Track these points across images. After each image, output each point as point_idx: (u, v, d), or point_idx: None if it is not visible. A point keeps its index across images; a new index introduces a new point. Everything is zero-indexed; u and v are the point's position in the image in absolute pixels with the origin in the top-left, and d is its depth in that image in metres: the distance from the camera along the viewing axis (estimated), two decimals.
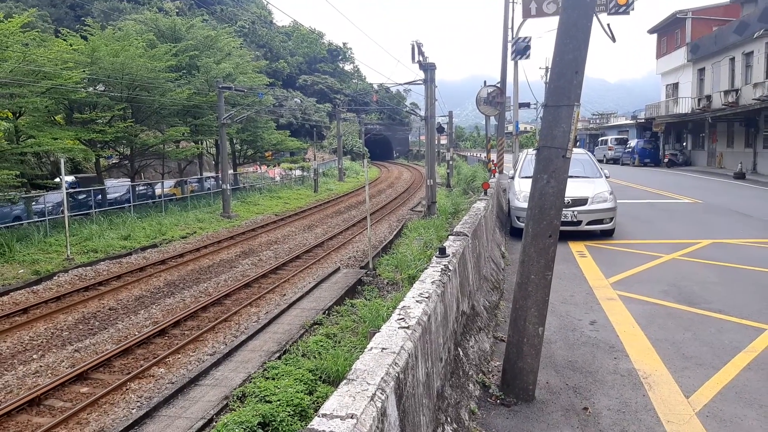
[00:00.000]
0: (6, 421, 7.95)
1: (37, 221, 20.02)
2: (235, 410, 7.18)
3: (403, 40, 23.85)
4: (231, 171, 33.56)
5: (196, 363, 9.72)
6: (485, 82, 23.52)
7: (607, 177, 13.19)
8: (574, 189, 11.25)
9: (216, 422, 7.00)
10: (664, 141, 42.94)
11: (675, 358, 5.59)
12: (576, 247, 11.07)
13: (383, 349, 3.09)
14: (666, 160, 38.30)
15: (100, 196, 24.32)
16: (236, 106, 31.14)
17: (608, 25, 4.93)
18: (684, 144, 40.47)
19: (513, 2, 22.81)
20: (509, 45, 22.10)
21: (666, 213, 15.58)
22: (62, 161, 17.98)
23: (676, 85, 41.42)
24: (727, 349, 5.79)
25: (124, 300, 13.67)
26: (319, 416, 2.35)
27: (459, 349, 5.01)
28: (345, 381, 2.69)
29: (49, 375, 9.45)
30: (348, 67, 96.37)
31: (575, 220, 11.64)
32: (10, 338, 11.04)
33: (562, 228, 10.57)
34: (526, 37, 21.44)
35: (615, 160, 43.36)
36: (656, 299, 7.57)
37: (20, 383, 9.16)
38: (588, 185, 12.22)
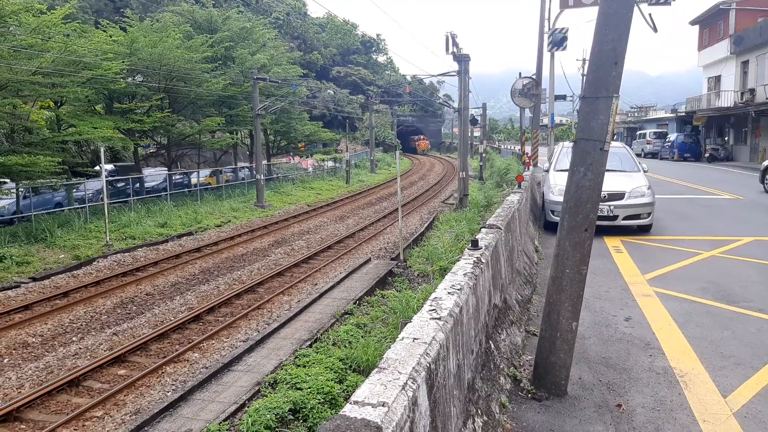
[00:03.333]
0: (47, 400, 8.23)
1: (78, 208, 20.59)
2: (266, 396, 7.28)
3: (438, 32, 23.71)
4: (265, 161, 33.88)
5: (230, 349, 9.89)
6: (520, 73, 23.20)
7: (645, 171, 12.91)
8: (611, 183, 11.03)
9: (248, 407, 7.12)
10: (705, 135, 41.77)
11: (713, 357, 5.46)
12: (612, 243, 10.88)
13: (414, 339, 3.10)
14: (707, 154, 37.26)
15: (138, 185, 24.88)
16: (270, 97, 31.40)
17: (650, 15, 4.80)
18: (726, 138, 39.30)
19: None
20: (545, 36, 21.76)
21: (706, 209, 15.18)
22: (102, 150, 18.43)
23: (718, 78, 40.20)
24: (767, 350, 5.63)
25: (160, 286, 13.97)
26: (350, 403, 2.37)
27: (490, 341, 4.99)
28: (376, 369, 2.70)
29: (88, 357, 9.73)
30: (381, 58, 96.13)
31: (611, 214, 11.44)
32: (51, 321, 11.40)
33: (598, 222, 10.38)
34: (563, 28, 21.07)
35: (653, 155, 42.40)
36: (694, 297, 7.40)
37: (60, 364, 9.46)
38: (625, 179, 11.99)
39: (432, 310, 3.60)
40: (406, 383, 2.56)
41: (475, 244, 5.36)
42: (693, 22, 43.00)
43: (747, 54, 35.26)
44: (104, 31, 24.35)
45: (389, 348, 2.98)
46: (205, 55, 26.48)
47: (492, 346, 4.98)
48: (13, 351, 9.97)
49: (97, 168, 23.07)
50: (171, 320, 11.43)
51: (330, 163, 46.36)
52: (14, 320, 11.29)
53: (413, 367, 2.72)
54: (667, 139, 42.58)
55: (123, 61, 21.94)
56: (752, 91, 33.47)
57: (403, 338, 3.11)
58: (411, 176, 47.31)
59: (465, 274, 4.46)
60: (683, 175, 25.45)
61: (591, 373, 5.17)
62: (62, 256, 15.98)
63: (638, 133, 51.00)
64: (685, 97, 47.21)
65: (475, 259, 4.97)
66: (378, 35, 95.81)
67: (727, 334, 6.07)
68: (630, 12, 4.37)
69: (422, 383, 2.72)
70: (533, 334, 6.04)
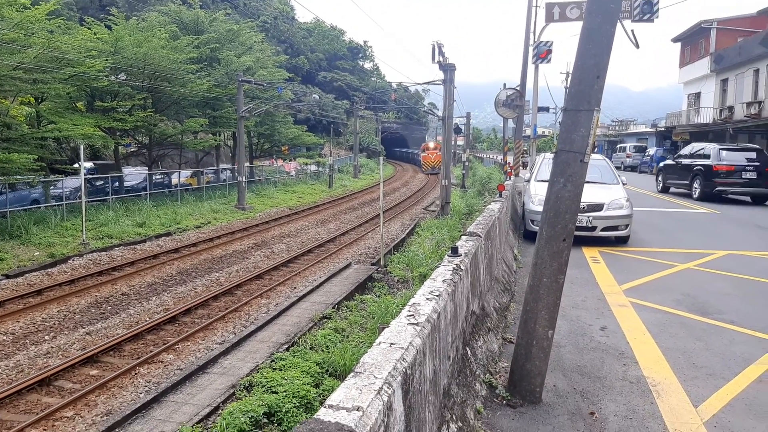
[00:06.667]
0: (16, 399, 8.08)
1: (55, 205, 20.28)
2: (241, 399, 7.23)
3: (425, 41, 23.83)
4: (247, 164, 33.73)
5: (205, 351, 9.80)
6: (504, 84, 23.42)
7: (624, 184, 13.09)
8: (590, 194, 11.17)
9: (222, 410, 7.06)
10: None
11: (685, 368, 5.54)
12: (590, 253, 11.00)
13: (392, 344, 3.10)
14: None
15: (117, 183, 24.58)
16: (255, 100, 31.28)
17: (632, 31, 4.89)
18: None
19: (536, 6, 22.73)
20: (530, 49, 21.99)
21: (682, 222, 15.43)
22: (82, 147, 18.19)
23: (698, 95, 40.96)
24: (738, 361, 5.73)
25: (136, 286, 13.81)
26: (325, 407, 2.36)
27: (467, 348, 5.01)
28: (352, 374, 2.70)
29: (60, 356, 9.57)
30: (368, 65, 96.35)
31: (590, 225, 11.57)
32: (23, 319, 11.20)
33: (577, 233, 10.50)
34: (547, 42, 21.31)
35: (633, 168, 42.96)
36: (668, 308, 7.51)
37: (31, 363, 9.29)
38: (604, 191, 12.14)
39: (410, 315, 3.61)
40: (381, 388, 2.56)
41: (454, 252, 5.39)
42: (675, 40, 43.80)
43: (726, 72, 35.99)
44: (89, 28, 24.09)
45: (366, 352, 2.98)
46: (191, 56, 26.32)
47: (469, 352, 5.00)
48: None
49: (76, 165, 22.76)
50: (146, 321, 11.30)
51: (313, 167, 46.28)
52: None
53: (389, 372, 2.72)
54: (646, 153, 43.21)
55: (107, 59, 21.72)
56: (731, 108, 34.15)
57: (380, 343, 3.11)
58: (394, 182, 47.42)
59: (444, 281, 4.48)
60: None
61: (566, 381, 5.21)
62: (37, 253, 15.72)
63: (618, 146, 51.69)
64: (664, 112, 48.00)
65: (454, 266, 4.99)
66: (365, 42, 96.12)
67: (700, 345, 6.17)
68: (613, 28, 4.44)
69: (398, 388, 2.73)
70: (510, 341, 6.08)
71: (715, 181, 19.86)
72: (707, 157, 20.67)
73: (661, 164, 25.51)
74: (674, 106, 49.86)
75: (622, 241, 12.05)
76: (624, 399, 4.86)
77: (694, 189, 21.05)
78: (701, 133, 38.86)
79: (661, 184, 23.70)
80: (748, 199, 20.71)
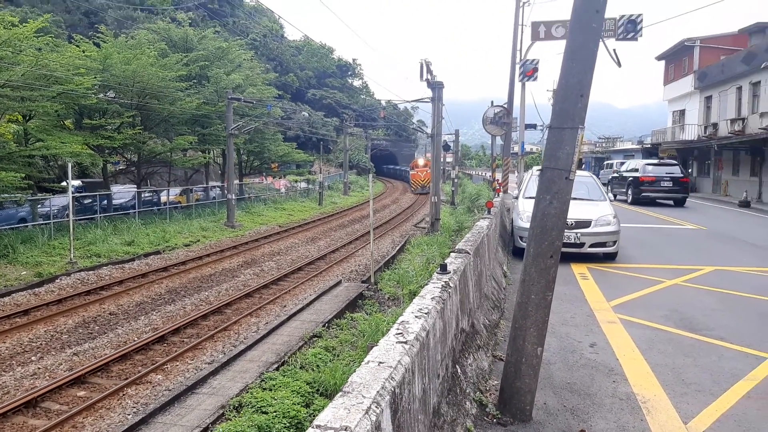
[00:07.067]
0: (2, 422, 7.94)
1: (42, 224, 20.12)
2: (231, 420, 7.15)
3: (413, 59, 24.09)
4: (237, 181, 33.67)
5: (194, 371, 9.70)
6: (492, 102, 23.65)
7: (611, 200, 13.21)
8: (577, 211, 11.28)
9: (212, 431, 6.98)
10: None
11: (674, 384, 5.57)
12: (578, 269, 11.06)
13: (380, 363, 3.10)
14: None
15: (105, 201, 24.44)
16: (245, 117, 31.35)
17: (614, 50, 4.98)
18: (689, 170, 40.50)
19: (522, 25, 23.06)
20: (517, 67, 22.27)
21: (669, 238, 15.56)
22: (69, 165, 18.09)
23: (682, 112, 41.55)
24: (727, 377, 5.77)
25: (124, 305, 13.68)
26: (313, 427, 2.36)
27: (457, 366, 5.01)
28: (341, 393, 2.70)
29: (47, 377, 9.44)
30: (357, 82, 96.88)
31: (578, 242, 11.65)
32: (10, 339, 11.05)
33: (565, 250, 10.60)
34: (534, 60, 21.60)
35: None
36: (657, 324, 7.55)
37: (18, 384, 9.15)
38: (592, 208, 12.24)
39: (399, 333, 3.61)
40: (369, 407, 2.56)
41: (443, 269, 5.41)
42: (659, 58, 44.51)
43: (710, 90, 36.57)
44: (77, 46, 24.09)
45: (355, 371, 2.98)
46: (180, 74, 26.37)
47: (459, 370, 5.00)
48: None
49: (64, 184, 22.62)
50: (134, 341, 11.19)
51: (303, 185, 46.30)
52: None
53: (377, 391, 2.72)
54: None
55: (95, 77, 21.71)
56: (715, 125, 34.65)
57: (368, 362, 3.11)
58: (384, 199, 47.48)
59: (433, 298, 4.49)
60: (648, 204, 26.06)
61: (556, 399, 5.22)
62: (24, 272, 15.56)
63: (605, 163, 52.17)
64: (650, 129, 48.57)
65: (443, 283, 5.01)
66: (354, 60, 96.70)
67: (689, 361, 6.20)
68: (596, 47, 4.52)
69: (386, 407, 2.72)
70: (500, 358, 6.08)
71: (642, 188, 25.25)
72: (637, 170, 26.16)
73: (609, 177, 31.63)
74: (659, 123, 50.52)
75: (610, 257, 12.13)
76: (614, 416, 4.87)
77: (628, 195, 26.21)
78: (686, 150, 39.37)
79: (631, 197, 26.42)
80: (671, 202, 25.57)
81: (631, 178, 26.30)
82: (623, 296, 9.03)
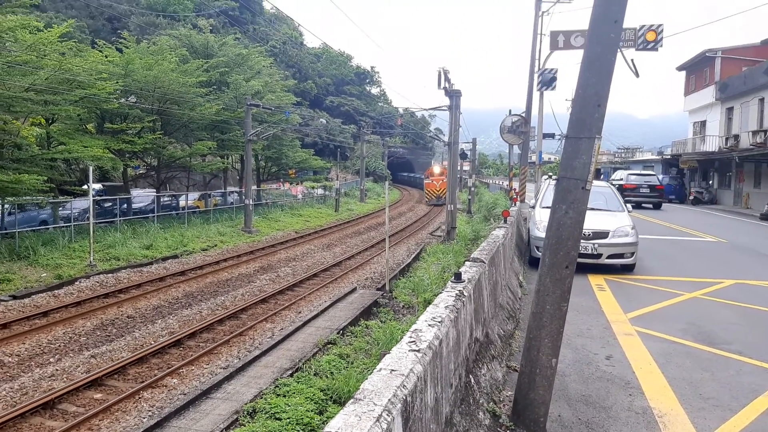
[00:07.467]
0: (20, 422, 8.05)
1: (63, 226, 20.43)
2: (244, 425, 7.18)
3: (431, 68, 24.19)
4: (254, 187, 33.91)
5: (209, 376, 9.76)
6: (510, 111, 23.58)
7: (629, 211, 13.08)
8: (594, 221, 11.18)
9: None
10: (690, 178, 42.42)
11: (692, 398, 5.48)
12: (595, 281, 10.96)
13: (392, 370, 3.10)
14: (691, 197, 37.84)
15: (125, 205, 24.76)
16: (263, 123, 31.61)
17: (632, 60, 4.95)
18: (710, 182, 39.96)
19: (541, 34, 22.99)
20: (536, 76, 22.19)
21: (689, 251, 15.36)
22: (91, 169, 18.37)
23: (703, 123, 41.06)
24: (745, 392, 5.67)
25: (142, 309, 13.82)
26: None
27: (470, 376, 4.98)
28: (352, 400, 2.70)
29: (65, 379, 9.56)
30: (374, 90, 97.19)
31: (595, 252, 11.53)
32: (29, 340, 11.21)
33: (582, 260, 10.50)
34: (552, 69, 21.52)
35: None
36: (675, 337, 7.45)
37: (36, 386, 9.28)
38: (609, 218, 12.13)
39: (411, 341, 3.61)
40: (380, 415, 2.56)
41: (458, 277, 5.39)
42: (680, 68, 44.05)
43: (732, 101, 36.10)
44: (100, 51, 24.52)
45: (366, 379, 2.98)
46: (200, 80, 26.69)
47: (472, 380, 4.97)
48: None
49: (85, 187, 22.96)
50: (151, 344, 11.29)
51: (320, 191, 46.47)
52: None
53: (389, 399, 2.72)
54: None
55: (117, 82, 22.05)
56: (736, 137, 34.17)
57: (380, 369, 3.11)
58: (400, 207, 47.49)
59: (446, 307, 4.48)
60: (667, 216, 25.77)
61: (570, 411, 5.17)
62: (44, 274, 15.80)
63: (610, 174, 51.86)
64: (670, 140, 48.05)
65: (457, 292, 4.99)
66: (372, 67, 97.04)
67: (707, 376, 6.11)
68: (613, 57, 4.50)
69: (397, 415, 2.72)
70: (514, 369, 6.04)
71: (624, 194, 26.65)
72: (622, 179, 31.42)
73: None
74: (680, 134, 49.95)
75: (627, 269, 11.99)
76: (630, 430, 4.81)
77: None
78: (707, 161, 38.86)
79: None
80: (651, 206, 29.82)
81: (617, 186, 28.96)
82: (641, 308, 8.92)
